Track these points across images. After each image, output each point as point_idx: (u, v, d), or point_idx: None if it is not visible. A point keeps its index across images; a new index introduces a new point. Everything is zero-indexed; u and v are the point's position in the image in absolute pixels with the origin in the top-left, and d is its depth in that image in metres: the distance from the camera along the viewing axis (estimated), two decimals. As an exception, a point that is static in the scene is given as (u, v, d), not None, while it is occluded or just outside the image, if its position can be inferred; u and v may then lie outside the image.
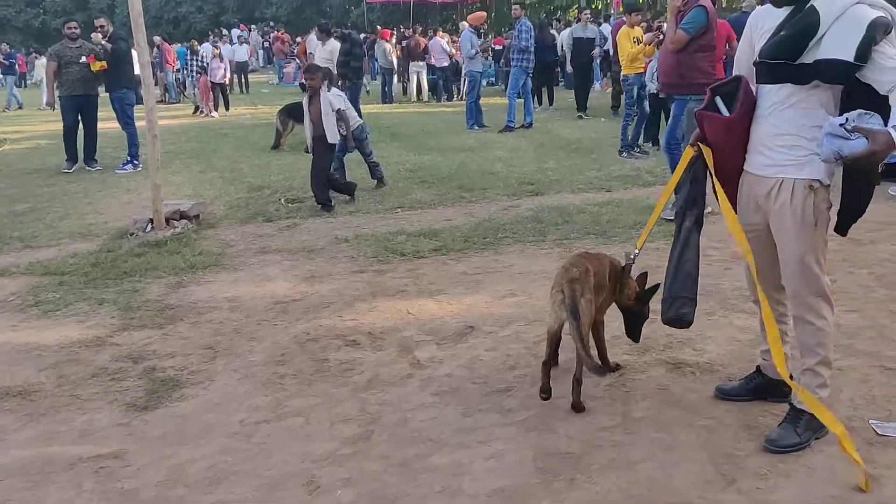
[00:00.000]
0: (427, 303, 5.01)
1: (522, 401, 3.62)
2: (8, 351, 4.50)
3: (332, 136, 7.68)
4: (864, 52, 2.76)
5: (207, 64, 18.80)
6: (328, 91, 7.87)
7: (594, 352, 3.65)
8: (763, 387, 3.47)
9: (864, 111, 2.75)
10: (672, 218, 6.35)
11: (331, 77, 8.72)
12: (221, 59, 18.77)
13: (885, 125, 2.68)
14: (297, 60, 18.64)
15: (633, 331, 3.88)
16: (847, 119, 2.72)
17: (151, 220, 7.00)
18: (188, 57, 20.62)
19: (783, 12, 3.02)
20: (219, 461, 3.23)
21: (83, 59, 10.59)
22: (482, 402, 3.63)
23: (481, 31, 16.76)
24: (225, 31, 33.34)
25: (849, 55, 2.78)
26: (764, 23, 3.10)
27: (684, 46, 6.55)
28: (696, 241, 3.28)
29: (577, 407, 3.49)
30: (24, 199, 9.15)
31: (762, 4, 3.54)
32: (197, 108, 19.11)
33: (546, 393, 3.57)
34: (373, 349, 4.32)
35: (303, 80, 10.07)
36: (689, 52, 6.54)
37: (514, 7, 15.69)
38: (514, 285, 5.26)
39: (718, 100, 3.22)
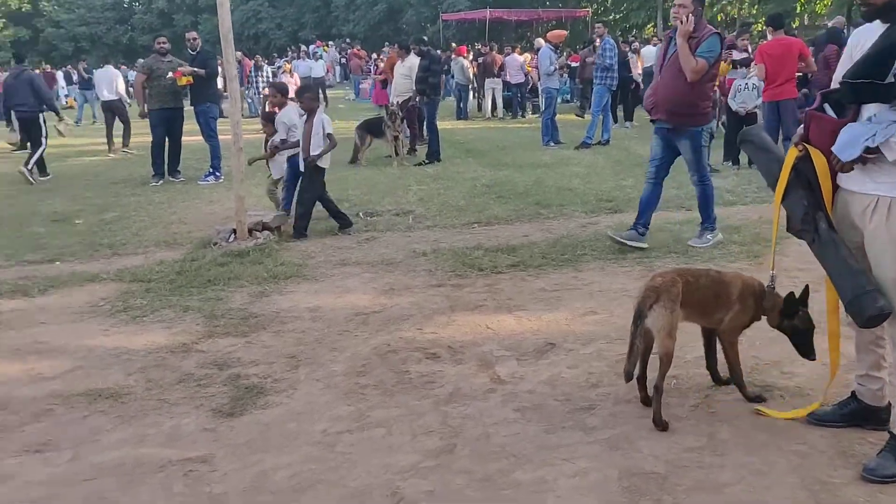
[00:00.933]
0: (506, 318, 4.99)
1: (605, 419, 3.57)
2: (99, 354, 4.64)
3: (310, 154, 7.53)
4: None
5: (270, 81, 19.23)
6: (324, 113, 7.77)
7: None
8: (859, 413, 3.34)
9: None
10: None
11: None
12: (292, 75, 19.12)
13: None
14: (383, 75, 18.69)
15: (803, 347, 3.63)
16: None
17: (234, 231, 7.16)
18: (252, 73, 20.92)
19: (879, 30, 2.93)
20: (303, 469, 3.26)
21: (170, 74, 10.94)
22: (565, 420, 3.58)
23: (559, 47, 16.70)
24: (304, 48, 34.07)
25: None
26: (865, 42, 3.02)
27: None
28: (840, 238, 3.12)
29: (658, 420, 3.42)
30: (112, 208, 9.48)
31: (850, 21, 3.46)
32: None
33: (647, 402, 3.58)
34: (453, 363, 4.32)
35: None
36: (702, 82, 6.27)
37: (596, 26, 15.73)
38: (594, 303, 5.19)
39: (827, 106, 3.14)
